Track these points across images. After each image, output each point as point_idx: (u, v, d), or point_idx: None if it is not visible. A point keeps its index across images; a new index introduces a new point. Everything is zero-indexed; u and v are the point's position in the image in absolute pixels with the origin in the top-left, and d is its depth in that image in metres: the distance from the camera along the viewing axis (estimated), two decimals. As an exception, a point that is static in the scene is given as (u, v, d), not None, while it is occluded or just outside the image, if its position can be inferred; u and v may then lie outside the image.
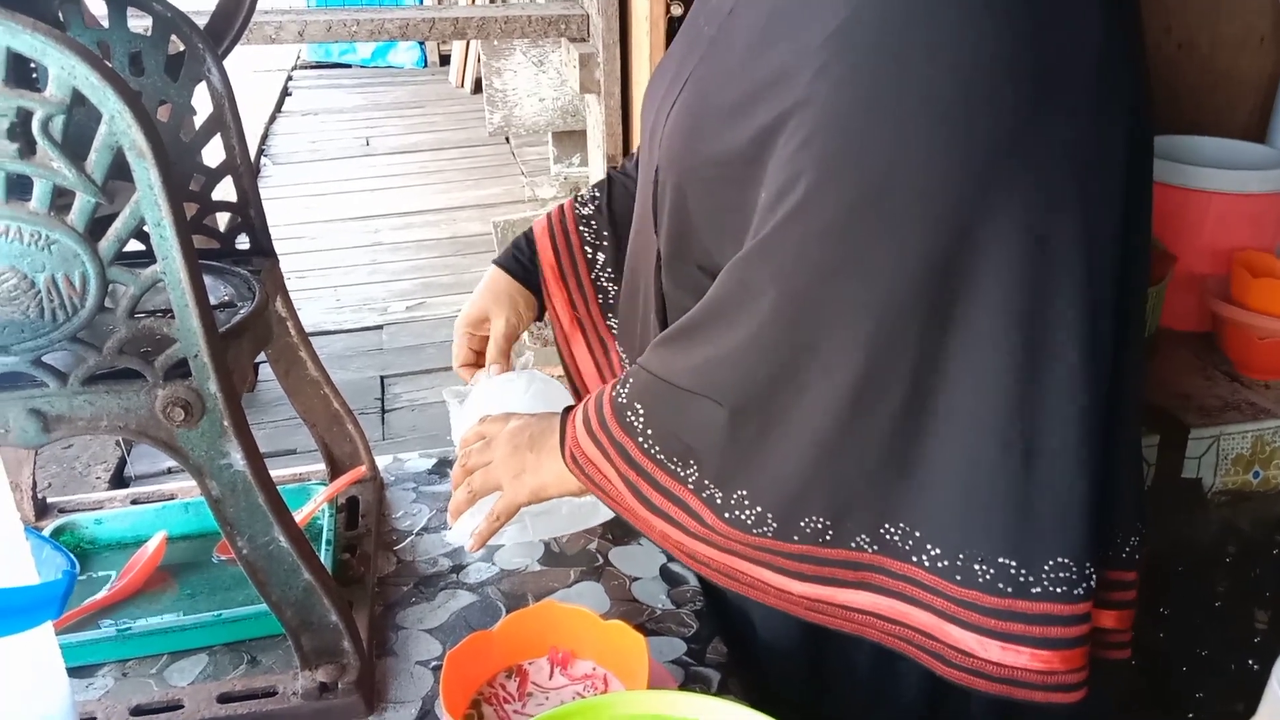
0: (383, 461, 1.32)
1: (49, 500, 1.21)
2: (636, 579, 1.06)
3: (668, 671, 0.92)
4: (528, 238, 1.26)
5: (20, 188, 0.72)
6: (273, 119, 7.12)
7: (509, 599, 1.04)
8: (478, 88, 6.69)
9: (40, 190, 0.71)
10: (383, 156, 6.35)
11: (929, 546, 0.79)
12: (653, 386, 0.87)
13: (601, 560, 1.09)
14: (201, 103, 1.01)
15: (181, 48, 0.98)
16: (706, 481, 0.84)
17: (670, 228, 0.95)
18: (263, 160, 6.20)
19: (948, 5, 0.69)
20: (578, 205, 1.24)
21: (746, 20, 0.84)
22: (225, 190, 1.05)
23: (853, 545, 0.81)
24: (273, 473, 1.26)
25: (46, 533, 1.11)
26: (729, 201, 0.84)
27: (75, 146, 0.71)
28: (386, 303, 4.51)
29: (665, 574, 1.07)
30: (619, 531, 1.14)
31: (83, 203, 0.72)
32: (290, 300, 1.13)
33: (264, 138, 6.66)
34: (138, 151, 0.71)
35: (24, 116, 0.69)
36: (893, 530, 0.80)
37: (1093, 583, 0.79)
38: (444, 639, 0.99)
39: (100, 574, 1.09)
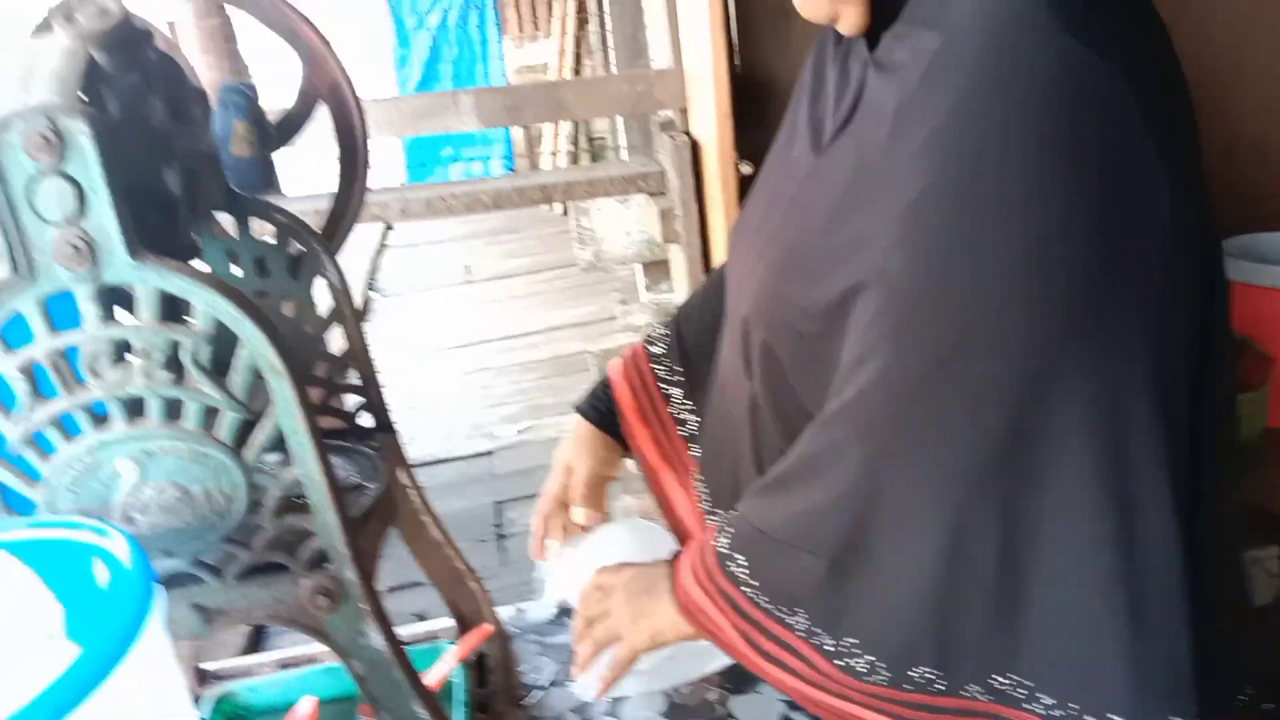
0: (506, 613, 1.36)
1: (205, 668, 1.29)
2: (760, 726, 1.08)
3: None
4: (605, 383, 1.31)
5: (174, 409, 0.80)
6: (379, 253, 7.42)
7: (637, 751, 1.07)
8: (567, 208, 6.91)
9: (192, 411, 0.79)
10: (483, 283, 6.56)
11: (1041, 696, 0.80)
12: (753, 537, 0.91)
13: (723, 710, 1.11)
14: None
15: (301, 249, 1.07)
16: (815, 629, 0.86)
17: (762, 375, 0.99)
18: (371, 296, 6.46)
19: (1018, 177, 0.72)
20: (649, 346, 1.29)
21: (827, 184, 0.88)
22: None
23: (965, 694, 0.82)
24: (404, 630, 1.32)
25: (209, 701, 1.17)
26: (816, 355, 0.88)
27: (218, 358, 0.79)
28: (495, 427, 4.61)
29: (788, 720, 1.09)
30: (738, 680, 1.16)
31: (229, 419, 0.80)
32: (410, 470, 1.20)
33: (371, 274, 6.94)
34: (274, 370, 0.79)
35: (175, 349, 0.77)
36: (1003, 681, 0.80)
37: None
38: (577, 795, 1.02)
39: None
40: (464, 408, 4.86)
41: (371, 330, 1.16)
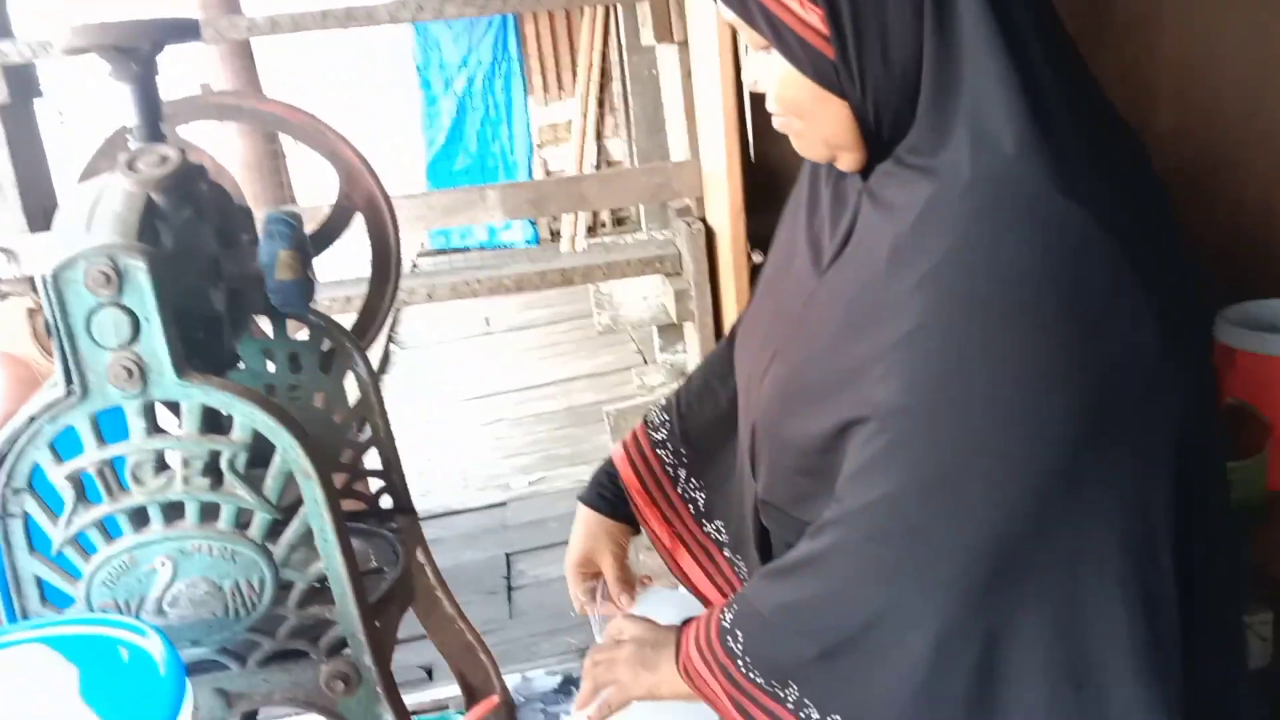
0: (512, 681, 1.42)
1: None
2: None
3: None
4: (609, 472, 1.36)
5: (209, 510, 0.87)
6: (398, 309, 7.54)
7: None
8: (588, 261, 7.01)
9: (226, 513, 0.86)
10: (502, 334, 6.65)
11: None
12: (753, 616, 0.98)
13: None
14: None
15: (331, 346, 1.15)
16: (805, 702, 0.93)
17: (768, 478, 1.06)
18: (391, 348, 6.56)
19: (1007, 322, 0.79)
20: (650, 431, 1.33)
21: (827, 311, 0.95)
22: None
23: None
24: (413, 698, 1.39)
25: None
26: (819, 466, 0.95)
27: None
28: (509, 478, 4.67)
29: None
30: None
31: (260, 520, 0.87)
32: (428, 548, 1.27)
33: (392, 326, 7.05)
34: (305, 474, 0.86)
35: (213, 456, 0.85)
36: None
37: None
38: None
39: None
40: (479, 458, 4.93)
41: (390, 382, 1.23)
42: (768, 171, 1.70)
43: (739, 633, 0.98)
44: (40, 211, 1.32)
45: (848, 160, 0.91)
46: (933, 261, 0.82)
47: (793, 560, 0.96)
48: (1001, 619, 0.85)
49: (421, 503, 1.26)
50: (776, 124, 0.93)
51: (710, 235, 1.57)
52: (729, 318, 1.56)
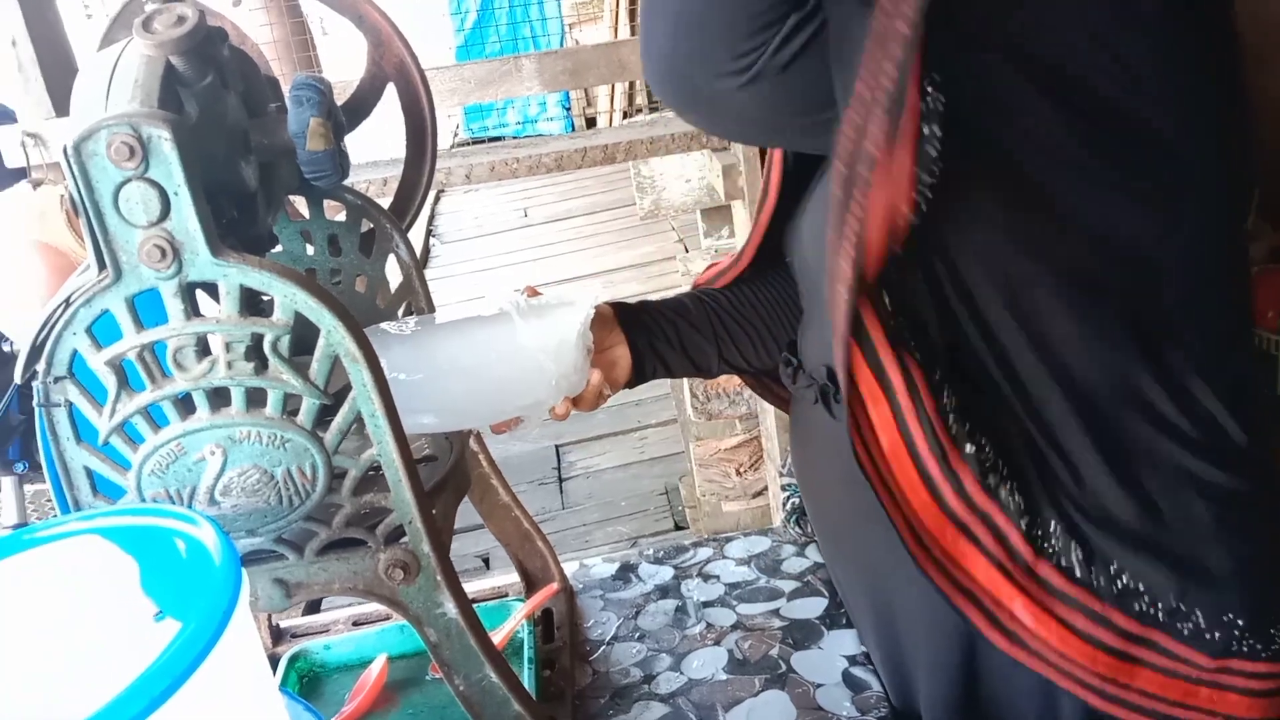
0: (570, 567, 1.40)
1: (281, 625, 1.35)
2: (820, 685, 1.11)
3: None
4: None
5: (256, 396, 0.83)
6: (437, 200, 7.49)
7: (700, 710, 1.10)
8: (625, 149, 6.90)
9: (273, 399, 0.83)
10: (540, 226, 6.59)
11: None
12: None
13: (784, 666, 1.15)
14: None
15: (371, 227, 1.10)
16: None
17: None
18: (431, 241, 6.53)
19: None
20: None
21: None
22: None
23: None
24: (473, 586, 1.37)
25: (283, 661, 1.23)
26: None
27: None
28: (555, 371, 4.66)
29: (849, 680, 1.11)
30: (800, 636, 1.19)
31: (308, 405, 0.83)
32: (481, 436, 1.24)
33: (431, 219, 7.01)
34: (351, 357, 0.82)
35: (256, 339, 0.81)
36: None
37: None
38: (643, 752, 1.06)
39: (333, 696, 1.21)
40: (524, 352, 4.92)
41: (431, 276, 1.18)
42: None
43: None
44: (65, 95, 1.27)
45: None
46: None
47: None
48: None
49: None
50: None
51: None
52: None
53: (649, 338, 1.12)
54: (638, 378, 1.13)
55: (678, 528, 3.41)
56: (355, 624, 1.34)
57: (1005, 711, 0.93)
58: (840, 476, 0.95)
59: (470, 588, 1.34)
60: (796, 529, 1.41)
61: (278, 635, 1.33)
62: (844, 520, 1.03)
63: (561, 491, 3.77)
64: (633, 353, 1.11)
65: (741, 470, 2.66)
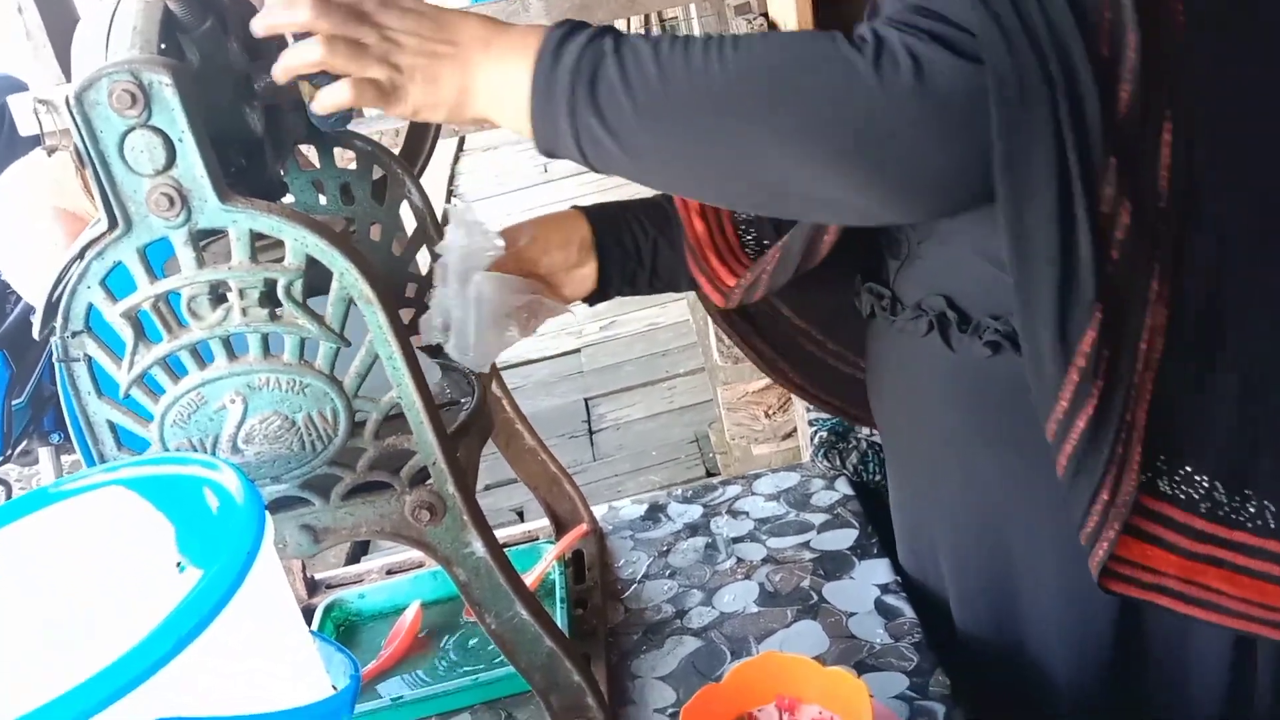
0: (599, 510, 1.41)
1: (316, 578, 1.37)
2: (853, 614, 1.11)
3: (891, 711, 0.96)
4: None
5: (273, 342, 0.83)
6: (456, 159, 7.46)
7: (732, 643, 1.11)
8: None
9: (290, 344, 0.83)
10: (561, 180, 6.56)
11: None
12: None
13: (816, 597, 1.15)
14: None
15: (383, 174, 1.10)
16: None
17: None
18: (453, 201, 6.51)
19: None
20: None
21: None
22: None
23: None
24: (503, 532, 1.38)
25: (318, 611, 1.25)
26: None
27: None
28: (581, 325, 4.67)
29: (881, 608, 1.11)
30: (831, 567, 1.19)
31: (325, 349, 0.83)
32: (503, 379, 1.24)
33: (451, 179, 6.99)
34: (365, 299, 0.82)
35: (270, 285, 0.81)
36: None
37: None
38: (676, 685, 1.07)
39: (369, 644, 1.23)
40: (550, 307, 4.92)
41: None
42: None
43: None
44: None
45: None
46: None
47: None
48: None
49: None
50: None
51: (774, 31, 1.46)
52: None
53: (622, 262, 1.10)
54: (597, 299, 1.13)
55: (709, 474, 3.41)
56: (389, 573, 1.35)
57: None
58: (951, 402, 0.96)
59: (501, 534, 1.35)
60: (825, 462, 1.40)
61: (313, 587, 1.34)
62: (952, 444, 0.99)
63: (592, 444, 3.78)
64: (600, 278, 1.10)
65: (770, 412, 2.66)
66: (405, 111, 0.78)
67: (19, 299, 2.37)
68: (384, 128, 1.39)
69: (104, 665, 0.58)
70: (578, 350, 4.47)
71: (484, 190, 6.73)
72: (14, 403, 2.39)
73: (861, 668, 1.03)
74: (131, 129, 0.73)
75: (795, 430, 2.68)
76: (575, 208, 1.12)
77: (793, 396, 2.60)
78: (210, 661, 0.62)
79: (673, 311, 4.41)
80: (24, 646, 0.74)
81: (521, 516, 3.26)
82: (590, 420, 3.95)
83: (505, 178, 6.90)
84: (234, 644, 0.65)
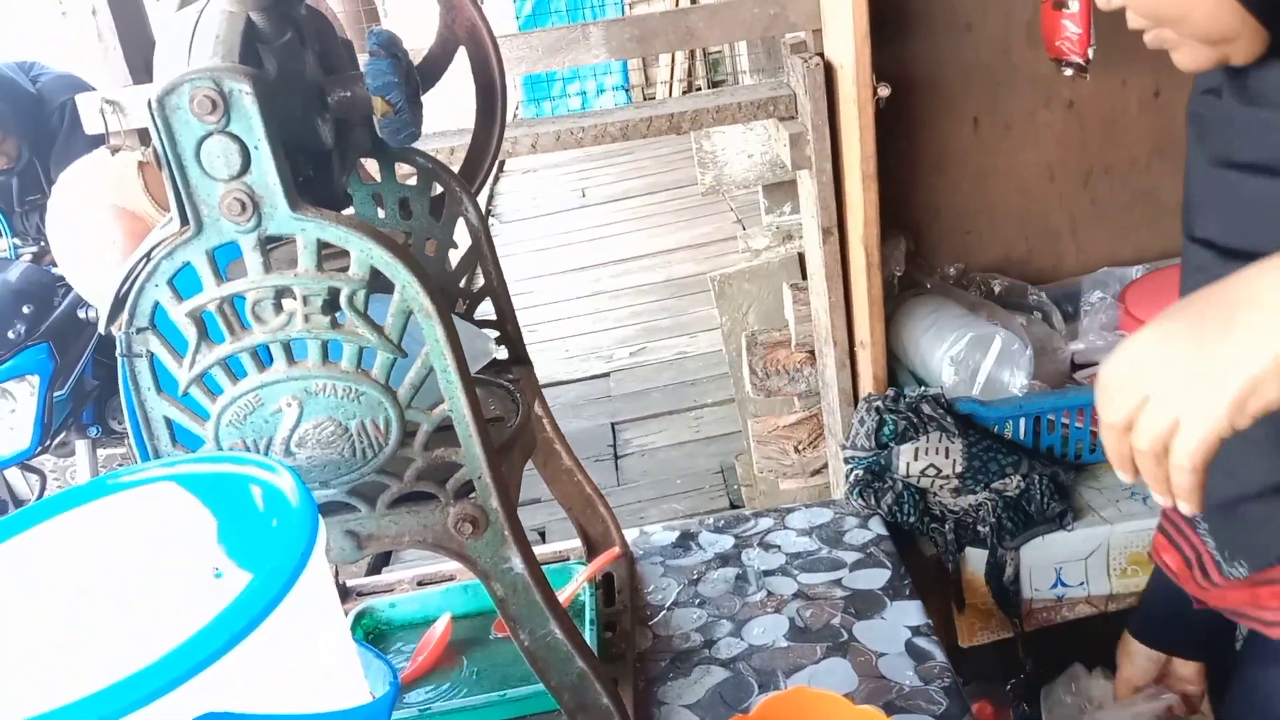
0: (631, 535, 1.41)
1: (347, 585, 1.38)
2: (883, 654, 1.11)
3: (920, 751, 0.96)
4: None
5: (332, 349, 0.85)
6: (496, 180, 7.52)
7: (760, 675, 1.11)
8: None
9: (349, 352, 0.84)
10: (598, 206, 6.60)
11: None
12: None
13: (846, 635, 1.14)
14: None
15: (441, 191, 1.11)
16: None
17: None
18: (491, 221, 6.56)
19: None
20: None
21: None
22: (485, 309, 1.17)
23: None
24: (536, 550, 1.39)
25: (350, 617, 1.26)
26: None
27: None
28: (611, 350, 4.68)
29: (911, 650, 1.11)
30: (862, 606, 1.19)
31: (383, 359, 0.85)
32: (545, 399, 1.25)
33: (490, 199, 7.05)
34: (425, 313, 0.83)
35: (333, 294, 0.82)
36: None
37: None
38: (702, 715, 1.07)
39: (397, 652, 1.23)
40: (581, 331, 4.94)
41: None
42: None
43: None
44: (142, 63, 1.30)
45: (1243, 48, 0.77)
46: None
47: None
48: None
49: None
50: (1147, 40, 0.81)
51: (830, 72, 1.47)
52: (848, 163, 1.47)
53: None
54: None
55: (733, 506, 3.41)
56: (420, 584, 1.36)
57: None
58: None
59: (532, 553, 1.36)
60: (860, 501, 1.40)
61: (344, 594, 1.35)
62: None
63: (617, 468, 3.79)
64: None
65: (800, 447, 2.65)
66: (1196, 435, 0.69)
67: (68, 292, 2.41)
68: (440, 145, 1.41)
69: (154, 658, 0.58)
70: (606, 374, 4.48)
71: (522, 212, 6.78)
72: (56, 394, 2.43)
73: (890, 709, 1.03)
74: (209, 134, 0.74)
75: (825, 466, 2.67)
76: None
77: (825, 430, 2.60)
78: (256, 661, 0.63)
79: (703, 341, 4.42)
80: (66, 633, 0.75)
81: (543, 536, 3.26)
82: (616, 445, 3.96)
83: (543, 200, 6.95)
84: (280, 644, 0.66)
